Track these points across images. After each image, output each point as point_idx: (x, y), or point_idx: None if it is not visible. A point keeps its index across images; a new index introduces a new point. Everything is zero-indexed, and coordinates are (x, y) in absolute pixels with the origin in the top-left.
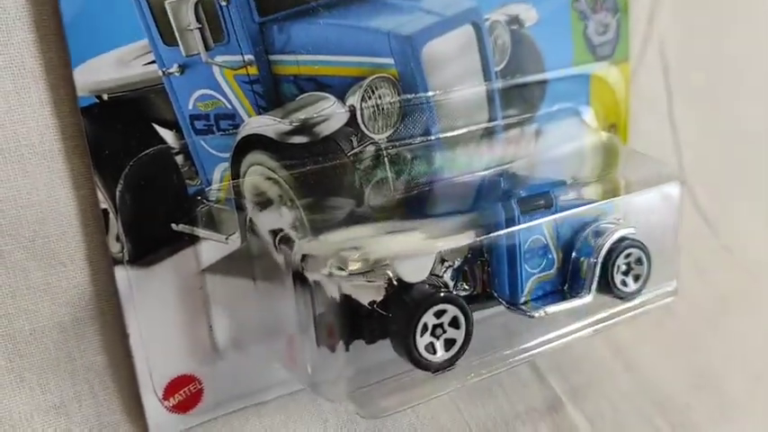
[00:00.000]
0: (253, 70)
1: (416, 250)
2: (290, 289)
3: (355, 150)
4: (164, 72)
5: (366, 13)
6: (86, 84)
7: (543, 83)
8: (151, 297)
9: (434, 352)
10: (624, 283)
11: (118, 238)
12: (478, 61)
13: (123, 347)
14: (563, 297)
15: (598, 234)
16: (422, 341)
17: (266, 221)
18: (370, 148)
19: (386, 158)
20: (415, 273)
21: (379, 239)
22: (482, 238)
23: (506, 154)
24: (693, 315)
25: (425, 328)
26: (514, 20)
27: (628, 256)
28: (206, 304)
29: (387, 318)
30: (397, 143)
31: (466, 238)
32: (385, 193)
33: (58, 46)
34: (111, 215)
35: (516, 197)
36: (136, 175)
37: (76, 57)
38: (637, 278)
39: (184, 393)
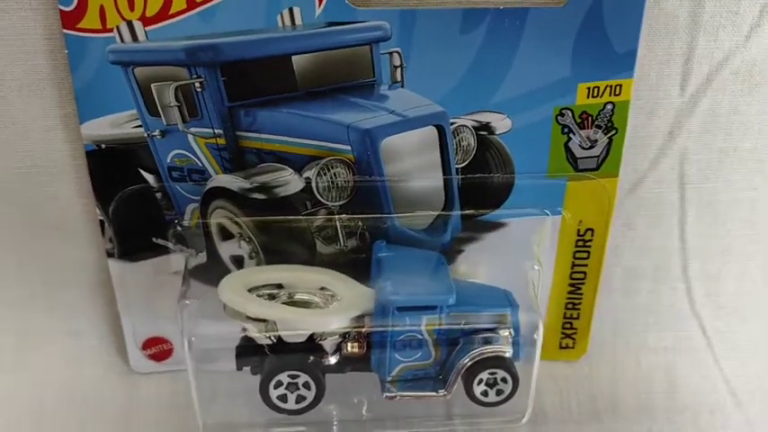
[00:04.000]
0: (221, 141)
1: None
2: None
3: (309, 211)
4: (148, 135)
5: (328, 108)
6: (89, 136)
7: (509, 184)
8: (135, 282)
9: (286, 401)
10: (485, 394)
11: (111, 240)
12: (438, 158)
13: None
14: (434, 384)
15: (486, 342)
16: (275, 392)
17: (228, 249)
18: (323, 211)
19: (337, 221)
20: (293, 337)
21: (280, 306)
22: (352, 327)
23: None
24: None
25: (280, 383)
26: (484, 126)
27: (493, 373)
28: (176, 294)
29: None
30: (349, 211)
31: (338, 322)
32: (333, 248)
33: (72, 104)
34: (106, 224)
35: (397, 305)
36: (124, 201)
37: (83, 116)
38: (499, 393)
39: (158, 348)
